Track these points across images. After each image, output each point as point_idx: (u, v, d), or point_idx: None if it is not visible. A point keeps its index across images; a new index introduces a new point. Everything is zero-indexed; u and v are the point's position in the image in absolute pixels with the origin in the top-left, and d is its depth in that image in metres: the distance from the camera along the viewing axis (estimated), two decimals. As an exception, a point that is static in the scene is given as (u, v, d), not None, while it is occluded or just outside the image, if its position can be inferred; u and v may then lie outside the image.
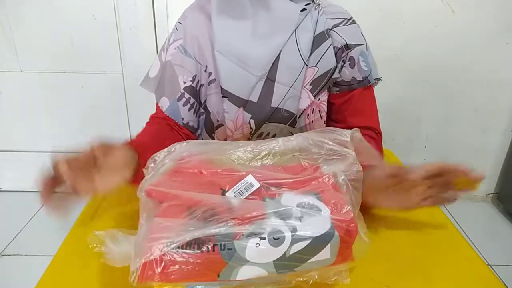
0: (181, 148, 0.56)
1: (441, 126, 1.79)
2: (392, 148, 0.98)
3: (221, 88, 0.76)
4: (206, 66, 0.79)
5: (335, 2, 0.83)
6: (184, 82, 0.80)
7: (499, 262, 1.50)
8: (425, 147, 1.83)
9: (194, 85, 0.80)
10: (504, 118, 1.77)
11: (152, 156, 0.55)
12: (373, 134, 0.82)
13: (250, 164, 0.56)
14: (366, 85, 0.82)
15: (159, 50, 0.86)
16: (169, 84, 0.81)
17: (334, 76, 0.79)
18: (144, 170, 0.54)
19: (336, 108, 0.85)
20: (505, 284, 0.56)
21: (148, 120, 0.86)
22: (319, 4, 0.79)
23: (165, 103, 0.81)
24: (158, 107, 0.84)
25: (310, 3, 0.77)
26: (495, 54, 1.64)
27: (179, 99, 0.80)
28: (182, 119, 0.81)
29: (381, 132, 0.84)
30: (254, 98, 0.77)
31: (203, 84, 0.80)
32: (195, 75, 0.80)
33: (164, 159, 0.54)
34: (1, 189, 1.88)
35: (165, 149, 0.56)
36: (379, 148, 0.82)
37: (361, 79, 0.81)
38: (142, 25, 1.57)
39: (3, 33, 1.59)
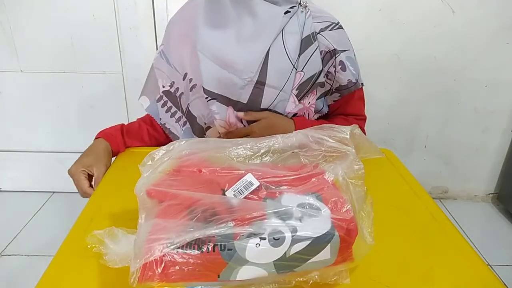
0: (180, 147, 0.56)
1: (441, 126, 1.79)
2: (392, 148, 0.98)
3: (204, 89, 0.76)
4: (186, 73, 0.79)
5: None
6: (163, 86, 0.82)
7: (499, 262, 1.50)
8: (425, 147, 1.83)
9: (172, 90, 0.81)
10: (504, 118, 1.77)
11: (150, 153, 0.55)
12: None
13: (250, 161, 0.56)
14: (359, 87, 0.84)
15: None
16: (150, 85, 0.84)
17: (318, 80, 0.80)
18: (140, 167, 0.54)
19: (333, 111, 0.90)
20: (505, 284, 0.56)
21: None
22: (306, 6, 0.78)
23: (145, 102, 0.85)
24: None
25: (295, 6, 0.77)
26: (495, 54, 1.64)
27: (158, 100, 0.83)
28: (160, 119, 0.83)
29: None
30: (244, 100, 0.77)
31: (182, 93, 0.80)
32: (173, 82, 0.81)
33: (162, 157, 0.54)
34: (1, 189, 1.88)
35: (164, 147, 0.56)
36: None
37: (355, 81, 0.82)
38: (142, 25, 1.57)
39: (3, 33, 1.58)
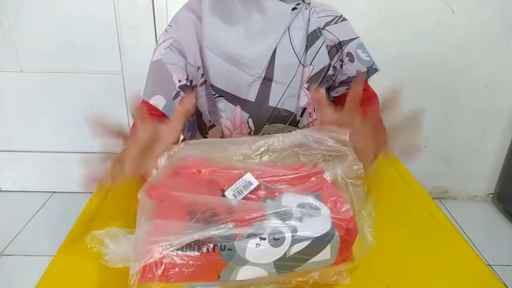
0: (179, 147, 0.55)
1: (441, 126, 1.79)
2: (392, 148, 0.97)
3: (212, 86, 0.76)
4: (199, 67, 0.79)
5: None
6: (180, 81, 0.78)
7: (499, 262, 1.50)
8: (425, 147, 1.83)
9: (188, 84, 0.79)
10: (504, 118, 1.77)
11: None
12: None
13: (249, 160, 0.55)
14: (373, 73, 0.82)
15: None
16: (163, 83, 0.78)
17: (328, 73, 0.80)
18: None
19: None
20: (505, 284, 0.56)
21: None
22: (310, 4, 0.80)
23: (160, 101, 0.78)
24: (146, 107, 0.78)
25: (300, 3, 0.78)
26: (495, 54, 1.64)
27: (175, 97, 0.78)
28: None
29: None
30: (252, 97, 0.77)
31: (196, 85, 0.80)
32: (188, 75, 0.79)
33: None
34: (1, 189, 1.88)
35: None
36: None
37: (366, 69, 0.81)
38: (142, 25, 1.57)
39: (3, 33, 1.58)
